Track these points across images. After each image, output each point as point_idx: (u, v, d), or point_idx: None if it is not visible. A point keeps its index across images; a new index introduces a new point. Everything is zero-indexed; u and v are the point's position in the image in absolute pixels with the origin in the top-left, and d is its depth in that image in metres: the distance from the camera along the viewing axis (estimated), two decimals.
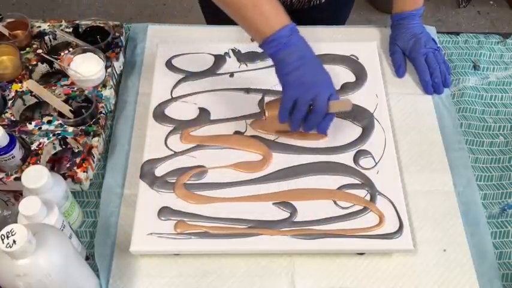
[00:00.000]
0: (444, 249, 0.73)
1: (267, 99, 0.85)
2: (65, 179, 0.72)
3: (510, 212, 0.78)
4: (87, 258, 0.72)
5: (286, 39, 0.71)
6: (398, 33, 0.91)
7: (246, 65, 0.90)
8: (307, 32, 0.97)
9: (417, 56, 0.90)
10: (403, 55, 0.92)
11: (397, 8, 0.92)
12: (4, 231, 0.50)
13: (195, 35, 0.96)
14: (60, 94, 0.82)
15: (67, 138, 0.79)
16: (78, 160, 0.77)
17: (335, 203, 0.75)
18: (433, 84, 0.88)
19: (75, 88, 0.83)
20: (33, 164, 0.74)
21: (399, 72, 0.91)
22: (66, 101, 0.81)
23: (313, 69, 0.73)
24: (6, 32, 0.88)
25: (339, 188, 0.76)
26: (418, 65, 0.90)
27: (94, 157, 0.79)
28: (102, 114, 0.81)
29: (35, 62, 0.87)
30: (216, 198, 0.75)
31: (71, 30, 0.91)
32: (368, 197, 0.75)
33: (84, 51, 0.85)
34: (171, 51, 0.91)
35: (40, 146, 0.77)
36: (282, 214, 0.73)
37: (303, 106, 0.72)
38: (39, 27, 0.91)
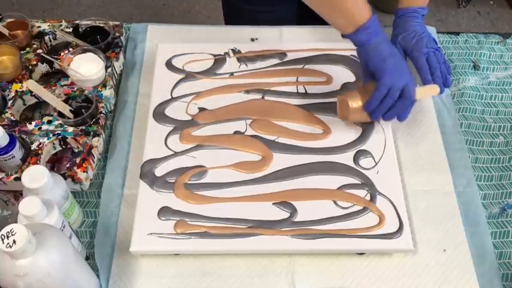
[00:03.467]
0: (444, 249, 0.73)
1: (267, 99, 0.85)
2: (65, 179, 0.72)
3: (510, 212, 0.78)
4: (87, 258, 0.72)
5: (377, 27, 0.75)
6: (401, 31, 0.91)
7: (246, 65, 0.90)
8: (307, 32, 0.98)
9: (419, 55, 0.89)
10: (404, 54, 0.92)
11: (403, 2, 0.92)
12: (4, 231, 0.50)
13: (195, 35, 0.96)
14: (60, 94, 0.82)
15: (67, 138, 0.79)
16: (78, 160, 0.77)
17: (335, 203, 0.75)
18: (434, 83, 0.88)
19: (75, 88, 0.83)
20: (33, 164, 0.74)
21: None
22: (66, 101, 0.81)
23: (401, 56, 0.78)
24: (6, 32, 0.88)
25: (339, 188, 0.76)
26: (419, 64, 0.89)
27: (94, 157, 0.79)
28: (102, 114, 0.81)
29: (35, 62, 0.86)
30: (216, 198, 0.75)
31: (71, 30, 0.91)
32: (368, 197, 0.75)
33: (84, 51, 0.85)
34: (171, 51, 0.91)
35: (40, 146, 0.77)
36: (282, 214, 0.73)
37: (396, 92, 0.74)
38: (39, 27, 0.91)
